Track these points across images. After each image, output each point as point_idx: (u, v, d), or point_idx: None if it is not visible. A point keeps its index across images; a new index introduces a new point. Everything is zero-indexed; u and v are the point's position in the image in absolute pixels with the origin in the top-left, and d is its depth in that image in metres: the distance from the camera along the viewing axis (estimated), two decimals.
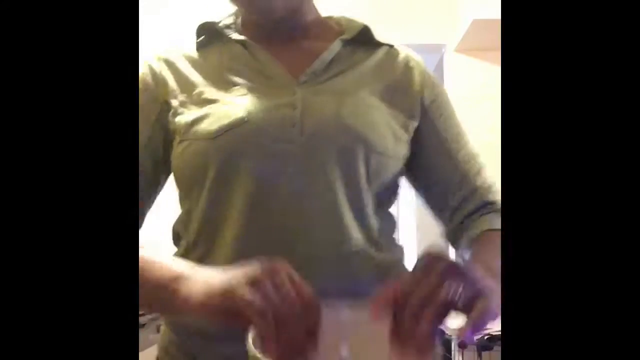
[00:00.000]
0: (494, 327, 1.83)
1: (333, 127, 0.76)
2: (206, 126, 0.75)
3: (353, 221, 0.76)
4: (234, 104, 0.77)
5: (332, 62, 0.83)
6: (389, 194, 0.84)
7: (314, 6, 0.93)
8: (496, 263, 0.62)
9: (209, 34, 0.86)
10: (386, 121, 0.81)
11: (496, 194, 0.87)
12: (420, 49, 3.13)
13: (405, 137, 0.83)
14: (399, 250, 0.88)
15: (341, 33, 0.88)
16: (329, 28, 0.91)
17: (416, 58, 0.92)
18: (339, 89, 0.81)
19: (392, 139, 0.80)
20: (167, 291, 0.66)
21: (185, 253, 0.80)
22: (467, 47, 2.80)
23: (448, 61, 2.89)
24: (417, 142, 0.85)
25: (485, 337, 2.03)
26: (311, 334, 0.57)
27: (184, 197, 0.82)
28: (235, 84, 0.80)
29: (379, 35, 0.92)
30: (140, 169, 0.81)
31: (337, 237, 0.75)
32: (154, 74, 0.84)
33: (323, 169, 0.75)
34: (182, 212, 0.83)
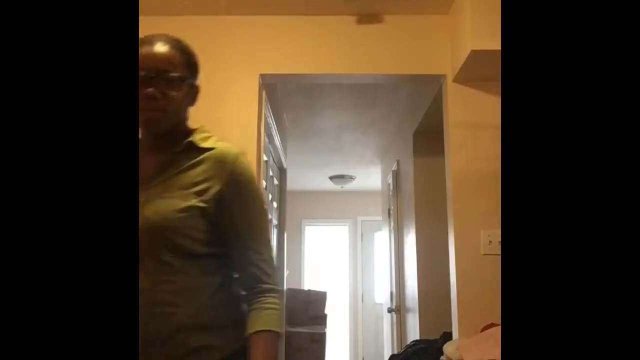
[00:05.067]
0: None
1: (152, 216, 1.19)
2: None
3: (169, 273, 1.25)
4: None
5: (165, 167, 1.27)
6: (196, 264, 1.29)
7: (185, 128, 1.36)
8: None
9: None
10: (185, 210, 1.22)
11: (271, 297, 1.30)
12: (420, 79, 3.18)
13: (206, 223, 1.27)
14: None
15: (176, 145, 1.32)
16: (186, 142, 1.31)
17: (228, 157, 1.30)
18: (164, 186, 1.24)
19: (191, 222, 1.22)
20: None
21: None
22: (466, 77, 2.83)
23: (447, 91, 2.92)
24: (219, 228, 1.28)
25: None
26: None
27: None
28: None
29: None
30: None
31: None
32: None
33: (150, 246, 1.21)
34: None
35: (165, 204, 1.20)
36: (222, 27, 2.98)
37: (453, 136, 2.81)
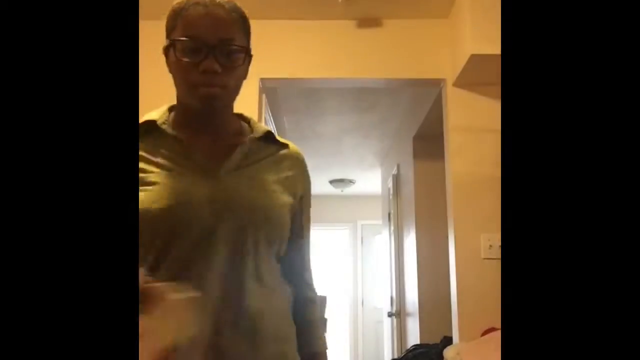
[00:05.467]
0: None
1: (244, 208, 1.04)
2: (148, 205, 0.98)
3: (253, 271, 1.06)
4: (167, 187, 1.01)
5: (246, 155, 1.12)
6: (282, 260, 1.15)
7: (232, 109, 1.20)
8: None
9: (149, 127, 1.10)
10: (282, 202, 1.10)
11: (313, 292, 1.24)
12: (420, 83, 3.18)
13: (290, 217, 1.13)
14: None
15: (250, 131, 1.18)
16: (239, 125, 1.20)
17: (302, 157, 1.23)
18: (248, 177, 1.10)
19: (286, 216, 1.10)
20: None
21: None
22: (466, 81, 2.83)
23: (447, 95, 2.92)
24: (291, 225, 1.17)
25: None
26: None
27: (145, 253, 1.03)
28: (171, 169, 1.05)
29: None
30: None
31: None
32: None
33: (238, 245, 1.03)
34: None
35: (263, 197, 1.07)
36: None
37: (453, 140, 2.81)
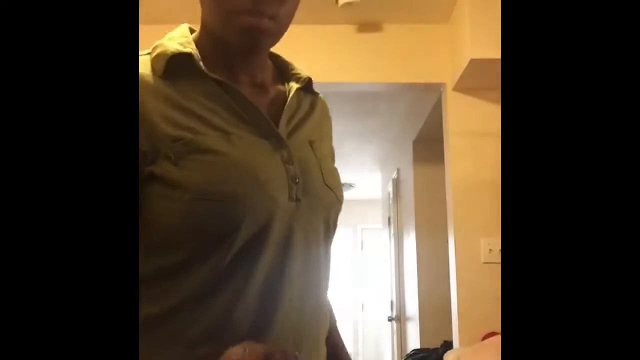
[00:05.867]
0: None
1: (319, 184, 0.80)
2: (215, 186, 0.70)
3: (326, 271, 0.83)
4: (229, 156, 0.72)
5: (295, 111, 0.85)
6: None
7: None
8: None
9: (181, 65, 0.78)
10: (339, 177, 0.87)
11: None
12: (420, 87, 3.19)
13: None
14: None
15: (288, 78, 0.89)
16: (271, 66, 0.90)
17: (328, 109, 0.97)
18: (308, 142, 0.83)
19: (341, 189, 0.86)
20: None
21: None
22: (465, 86, 2.84)
23: (447, 99, 2.92)
24: None
25: None
26: None
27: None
28: (219, 128, 0.74)
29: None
30: None
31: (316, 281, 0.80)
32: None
33: (314, 229, 0.78)
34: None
35: (329, 171, 0.83)
36: None
37: (453, 144, 2.82)
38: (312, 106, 0.90)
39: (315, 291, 0.78)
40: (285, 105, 0.82)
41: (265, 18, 0.75)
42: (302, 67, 0.93)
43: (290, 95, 0.84)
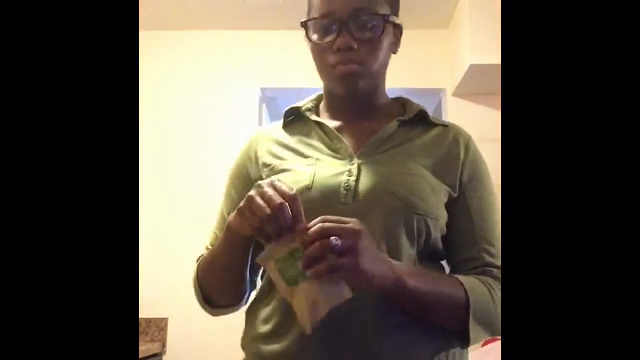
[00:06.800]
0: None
1: (380, 192, 0.89)
2: None
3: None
4: (302, 173, 0.92)
5: (389, 138, 0.97)
6: (432, 250, 0.94)
7: (384, 91, 1.06)
8: (427, 277, 0.85)
9: (294, 115, 1.04)
10: (429, 189, 0.92)
11: (496, 273, 0.93)
12: (419, 92, 3.19)
13: (444, 203, 0.94)
14: None
15: (402, 114, 1.02)
16: (392, 108, 1.04)
17: (465, 138, 1.04)
18: (390, 161, 0.94)
19: (433, 204, 0.91)
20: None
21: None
22: (465, 91, 2.84)
23: (446, 105, 2.92)
24: (450, 209, 0.96)
25: None
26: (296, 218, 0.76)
27: None
28: (307, 156, 0.96)
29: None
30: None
31: None
32: (247, 157, 1.04)
33: (370, 227, 0.82)
34: None
35: (403, 183, 0.91)
36: (223, 41, 2.99)
37: None
38: (420, 134, 1.00)
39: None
40: (374, 136, 0.96)
41: (353, 64, 0.93)
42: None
43: (385, 127, 0.98)
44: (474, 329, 0.85)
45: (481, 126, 2.82)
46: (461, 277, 0.88)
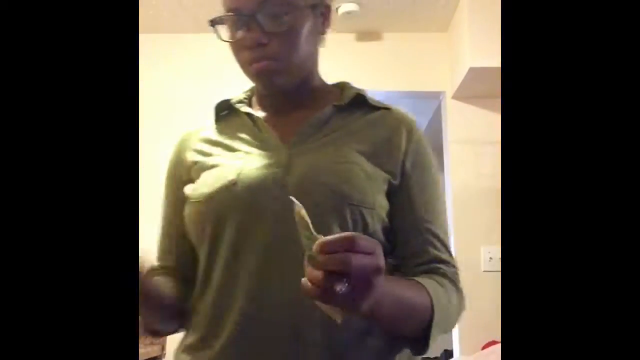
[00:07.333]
0: None
1: (310, 183, 0.83)
2: (203, 190, 0.86)
3: None
4: (228, 167, 0.87)
5: (323, 125, 0.91)
6: None
7: (318, 74, 0.99)
8: (399, 290, 0.77)
9: (225, 109, 0.99)
10: (365, 177, 0.85)
11: (445, 269, 0.91)
12: (419, 95, 3.19)
13: (384, 192, 0.88)
14: None
15: (339, 99, 0.95)
16: (330, 94, 0.98)
17: (408, 122, 0.96)
18: (323, 149, 0.88)
19: (369, 193, 0.85)
20: None
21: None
22: (464, 94, 2.84)
23: (446, 108, 2.93)
24: (392, 199, 0.90)
25: None
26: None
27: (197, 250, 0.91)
28: (235, 150, 0.91)
29: (376, 99, 0.98)
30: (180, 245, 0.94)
31: None
32: (175, 160, 0.99)
33: None
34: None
35: (336, 171, 0.84)
36: (223, 44, 2.98)
37: (453, 153, 2.82)
38: (358, 119, 0.94)
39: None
40: (306, 123, 0.91)
41: (266, 61, 0.86)
42: None
43: (318, 113, 0.92)
44: (434, 338, 0.82)
45: (481, 129, 2.83)
46: (427, 285, 0.83)
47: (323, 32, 0.95)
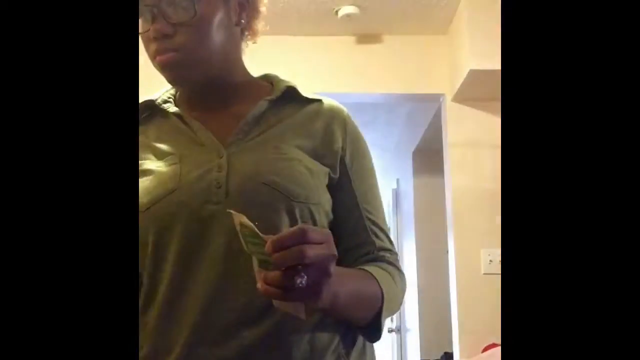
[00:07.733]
0: None
1: (254, 184, 0.81)
2: (141, 199, 0.81)
3: None
4: (165, 174, 0.82)
5: (258, 121, 0.88)
6: None
7: (243, 68, 0.96)
8: (352, 281, 0.80)
9: (149, 110, 0.92)
10: (307, 172, 0.85)
11: (389, 257, 0.93)
12: (419, 98, 3.19)
13: (325, 185, 0.88)
14: None
15: (270, 93, 0.93)
16: (260, 88, 0.95)
17: (342, 114, 0.95)
18: (261, 147, 0.85)
19: (314, 189, 0.85)
20: None
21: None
22: (464, 96, 2.84)
23: (446, 110, 2.93)
24: (333, 192, 0.90)
25: None
26: None
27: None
28: (169, 154, 0.85)
29: (307, 90, 0.96)
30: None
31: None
32: None
33: None
34: None
35: (275, 169, 0.82)
36: None
37: (452, 155, 2.82)
38: (292, 113, 0.91)
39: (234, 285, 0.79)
40: (242, 121, 0.88)
41: (170, 53, 0.82)
42: (302, 77, 0.94)
43: (252, 110, 0.89)
44: (384, 324, 0.85)
45: (481, 132, 2.83)
46: (376, 274, 0.85)
47: (238, 24, 0.91)
